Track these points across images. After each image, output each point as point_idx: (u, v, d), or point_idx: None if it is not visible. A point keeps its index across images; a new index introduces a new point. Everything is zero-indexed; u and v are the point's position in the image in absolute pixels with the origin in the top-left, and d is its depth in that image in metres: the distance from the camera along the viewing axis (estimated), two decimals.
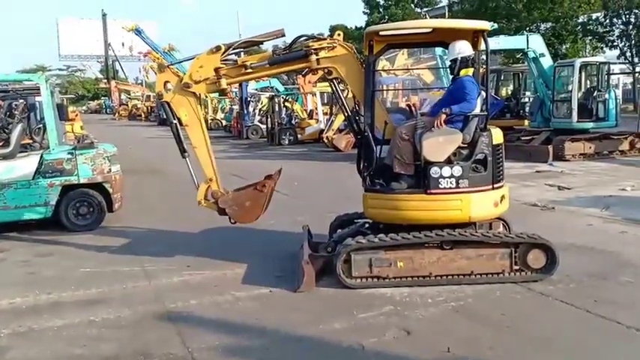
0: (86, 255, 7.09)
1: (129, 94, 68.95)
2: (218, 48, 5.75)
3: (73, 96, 76.62)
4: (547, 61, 16.01)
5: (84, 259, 6.86)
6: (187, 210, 8.77)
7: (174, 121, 5.89)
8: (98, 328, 4.81)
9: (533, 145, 15.43)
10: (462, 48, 5.63)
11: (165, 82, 5.90)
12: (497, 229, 6.02)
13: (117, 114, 58.42)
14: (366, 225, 6.18)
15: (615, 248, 6.62)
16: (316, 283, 5.51)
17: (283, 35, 5.97)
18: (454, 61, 5.68)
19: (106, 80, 74.85)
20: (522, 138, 16.17)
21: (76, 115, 21.43)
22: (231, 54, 5.90)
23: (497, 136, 5.62)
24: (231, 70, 5.84)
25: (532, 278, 5.45)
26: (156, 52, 38.20)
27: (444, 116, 5.41)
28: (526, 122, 17.42)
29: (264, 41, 6.26)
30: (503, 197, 5.63)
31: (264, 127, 25.66)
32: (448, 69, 6.02)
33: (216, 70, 5.74)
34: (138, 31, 39.94)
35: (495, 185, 5.52)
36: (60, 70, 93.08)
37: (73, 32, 77.93)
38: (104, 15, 77.71)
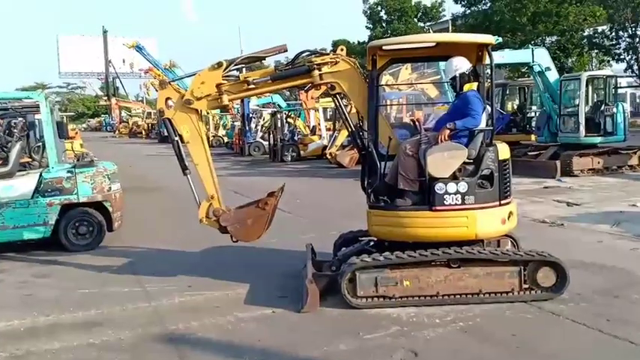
0: (85, 275, 7.06)
1: (129, 112, 69.30)
2: (220, 64, 5.79)
3: (72, 113, 77.01)
4: (553, 75, 16.05)
5: (83, 280, 6.83)
6: (188, 229, 8.75)
7: (176, 138, 5.92)
8: (97, 350, 4.78)
9: (541, 161, 15.41)
10: (459, 64, 5.65)
11: (167, 99, 5.95)
12: (505, 247, 5.99)
13: (117, 131, 58.70)
14: (371, 243, 6.14)
15: (626, 265, 6.57)
16: (320, 304, 5.47)
17: (286, 50, 6.01)
18: (453, 78, 5.71)
19: (106, 97, 75.31)
20: (529, 153, 16.16)
21: (76, 133, 21.54)
22: (233, 70, 5.96)
23: (504, 151, 5.61)
24: (233, 86, 5.88)
25: (542, 297, 5.40)
26: (157, 68, 38.55)
27: (447, 131, 5.41)
28: (533, 137, 17.40)
29: (267, 57, 6.30)
30: (510, 214, 5.61)
31: (266, 143, 25.72)
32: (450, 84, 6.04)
33: (218, 86, 5.78)
34: (139, 48, 40.34)
35: (502, 201, 5.50)
36: (60, 87, 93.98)
37: (74, 49, 78.63)
38: (105, 32, 78.41)
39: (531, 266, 5.43)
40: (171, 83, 6.14)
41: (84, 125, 78.66)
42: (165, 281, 6.60)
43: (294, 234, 8.47)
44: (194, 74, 6.00)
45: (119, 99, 71.83)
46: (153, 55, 43.41)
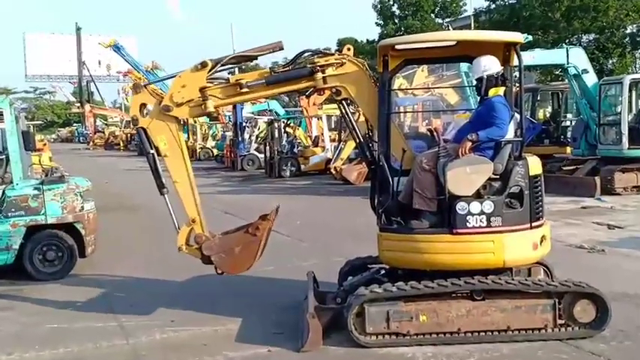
0: (53, 308, 7.04)
1: (105, 120, 69.67)
2: (204, 64, 5.71)
3: (41, 122, 77.52)
4: (591, 79, 16.08)
5: (50, 314, 6.82)
6: (172, 254, 8.71)
7: (152, 151, 5.83)
8: None
9: (578, 177, 15.39)
10: (488, 64, 5.68)
11: (142, 105, 5.86)
12: (537, 276, 5.97)
13: (92, 143, 58.92)
14: (382, 271, 6.14)
15: None
16: (323, 341, 5.44)
17: (281, 48, 5.96)
18: (480, 80, 5.72)
19: (79, 104, 75.76)
20: (564, 168, 16.14)
21: (45, 145, 21.61)
22: (220, 71, 5.91)
23: (535, 165, 5.62)
24: (220, 90, 5.84)
25: (580, 334, 5.38)
26: (137, 71, 38.76)
27: (469, 143, 5.43)
28: (568, 149, 17.41)
29: (259, 56, 6.17)
30: (543, 238, 5.60)
31: (261, 156, 25.82)
32: (475, 88, 6.07)
33: (202, 90, 5.69)
34: (117, 48, 40.60)
35: (534, 224, 5.50)
36: (26, 92, 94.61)
37: (42, 49, 79.39)
38: (78, 29, 79.09)
39: (567, 299, 5.40)
40: (147, 87, 6.05)
41: (53, 136, 79.10)
42: (145, 315, 6.58)
43: (293, 260, 8.45)
44: (175, 75, 5.91)
45: (94, 105, 72.25)
46: (133, 55, 43.68)
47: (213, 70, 5.79)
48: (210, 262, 5.86)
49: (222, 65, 5.88)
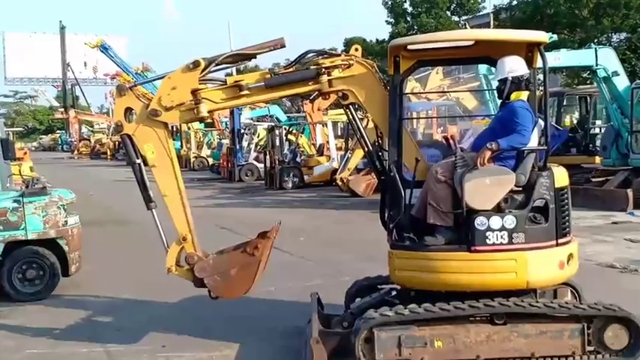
0: (33, 332, 7.03)
1: (92, 127, 70.02)
2: (196, 64, 5.62)
3: (21, 129, 77.91)
4: (622, 82, 16.08)
5: (31, 338, 6.81)
6: (163, 273, 8.72)
7: (138, 161, 5.75)
8: None
9: (608, 189, 15.38)
10: (514, 66, 5.67)
11: (127, 109, 5.78)
12: (563, 298, 5.94)
13: (76, 151, 59.27)
14: (393, 292, 6.13)
15: None
16: None
17: (283, 46, 5.87)
18: (503, 81, 5.72)
19: (63, 109, 76.22)
20: (593, 179, 16.13)
21: (25, 154, 21.73)
22: (214, 71, 5.83)
23: (561, 176, 5.61)
24: (215, 93, 5.76)
25: None
26: (126, 73, 39.02)
27: (489, 153, 5.42)
28: (597, 159, 17.39)
29: (259, 54, 6.04)
30: (570, 256, 5.58)
31: (261, 166, 25.87)
32: (495, 92, 6.07)
33: (194, 92, 5.62)
34: (104, 48, 40.91)
35: (560, 240, 5.48)
36: (5, 96, 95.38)
37: (23, 49, 79.85)
38: (62, 28, 79.72)
39: (597, 323, 5.37)
40: (133, 89, 5.89)
41: (35, 144, 79.53)
42: (133, 339, 6.57)
43: (296, 280, 8.43)
44: (163, 77, 5.80)
45: (79, 111, 72.69)
46: (121, 56, 43.97)
47: (207, 70, 5.70)
48: (203, 285, 5.75)
49: (217, 65, 5.78)
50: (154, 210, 5.81)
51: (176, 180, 5.74)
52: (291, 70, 5.82)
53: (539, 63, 5.69)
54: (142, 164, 5.75)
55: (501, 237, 5.34)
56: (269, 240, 5.87)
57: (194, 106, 5.66)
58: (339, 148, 23.86)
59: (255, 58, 6.25)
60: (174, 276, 5.84)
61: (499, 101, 6.04)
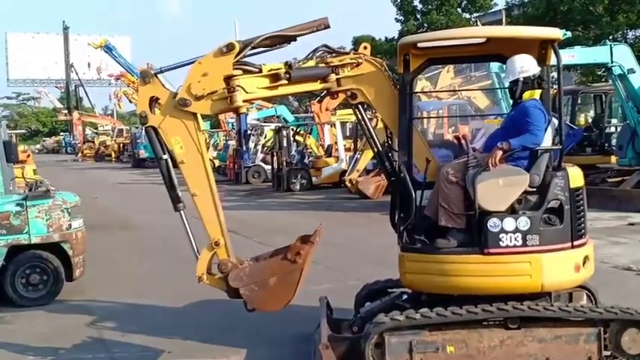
0: (37, 338, 7.05)
1: (96, 129, 70.25)
2: (230, 47, 5.22)
3: (24, 131, 78.28)
4: (638, 79, 16.01)
5: (34, 344, 6.82)
6: (168, 277, 8.75)
7: (165, 156, 5.33)
8: None
9: (624, 190, 15.33)
10: (525, 65, 5.65)
11: (152, 99, 5.35)
12: (579, 302, 5.92)
13: (80, 153, 59.46)
14: (404, 296, 6.13)
15: None
16: None
17: (327, 26, 5.53)
18: (514, 82, 5.70)
19: (66, 111, 76.45)
20: (609, 179, 16.09)
21: (28, 156, 21.80)
22: (249, 55, 5.40)
23: (576, 176, 5.59)
24: (251, 81, 5.39)
25: None
26: (131, 74, 39.17)
27: (501, 153, 5.40)
28: (613, 159, 17.33)
29: (300, 36, 5.61)
30: (586, 258, 5.55)
31: (268, 167, 25.88)
32: (507, 91, 6.05)
33: (228, 79, 5.25)
34: (108, 49, 41.10)
35: (575, 242, 5.46)
36: (8, 98, 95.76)
37: (26, 50, 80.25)
38: (66, 29, 79.96)
39: (614, 327, 5.35)
40: (158, 75, 5.44)
41: (38, 146, 79.94)
42: (139, 345, 6.58)
43: (305, 284, 8.40)
44: (192, 62, 5.34)
45: (83, 113, 72.94)
46: (126, 57, 44.20)
47: (242, 54, 5.29)
48: (238, 295, 5.35)
49: (253, 48, 5.38)
50: (182, 212, 5.40)
51: (207, 177, 5.36)
52: (309, 64, 5.61)
53: (552, 60, 5.67)
54: (169, 160, 5.35)
55: (515, 239, 5.33)
56: (312, 245, 5.51)
57: (228, 95, 5.26)
58: (347, 149, 23.84)
59: (296, 40, 5.71)
60: (206, 285, 5.45)
61: (511, 100, 6.02)
